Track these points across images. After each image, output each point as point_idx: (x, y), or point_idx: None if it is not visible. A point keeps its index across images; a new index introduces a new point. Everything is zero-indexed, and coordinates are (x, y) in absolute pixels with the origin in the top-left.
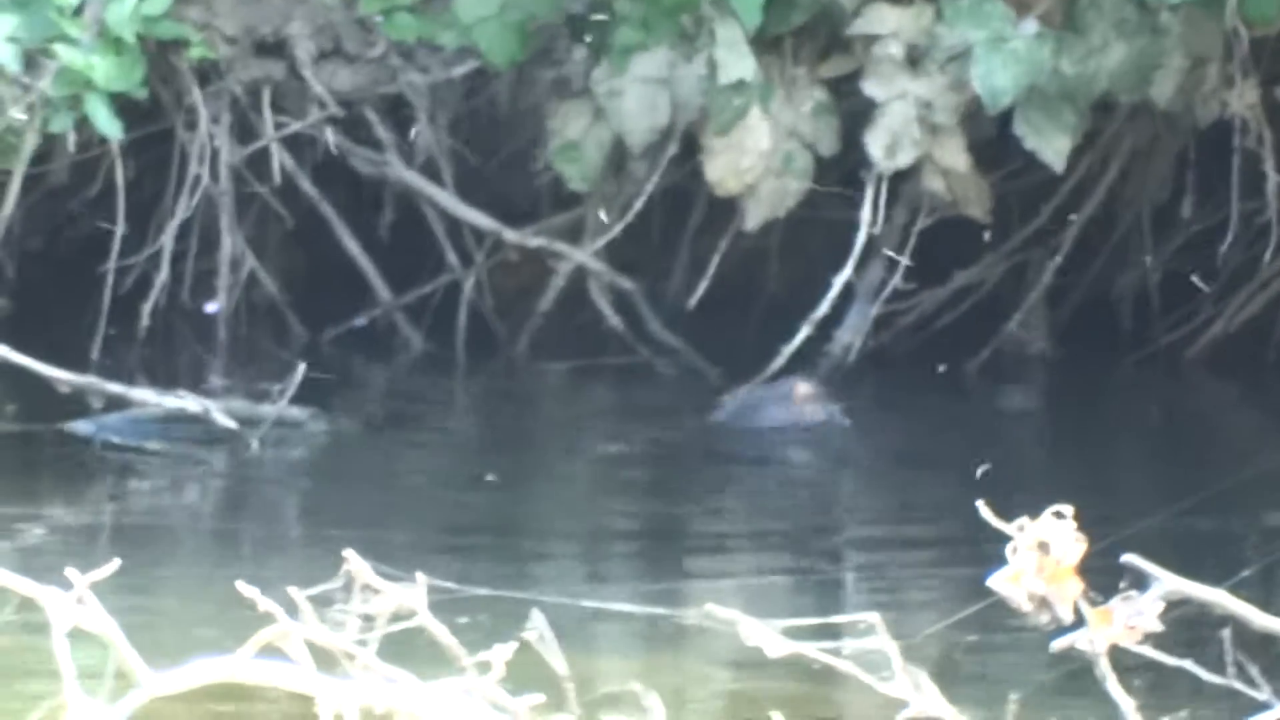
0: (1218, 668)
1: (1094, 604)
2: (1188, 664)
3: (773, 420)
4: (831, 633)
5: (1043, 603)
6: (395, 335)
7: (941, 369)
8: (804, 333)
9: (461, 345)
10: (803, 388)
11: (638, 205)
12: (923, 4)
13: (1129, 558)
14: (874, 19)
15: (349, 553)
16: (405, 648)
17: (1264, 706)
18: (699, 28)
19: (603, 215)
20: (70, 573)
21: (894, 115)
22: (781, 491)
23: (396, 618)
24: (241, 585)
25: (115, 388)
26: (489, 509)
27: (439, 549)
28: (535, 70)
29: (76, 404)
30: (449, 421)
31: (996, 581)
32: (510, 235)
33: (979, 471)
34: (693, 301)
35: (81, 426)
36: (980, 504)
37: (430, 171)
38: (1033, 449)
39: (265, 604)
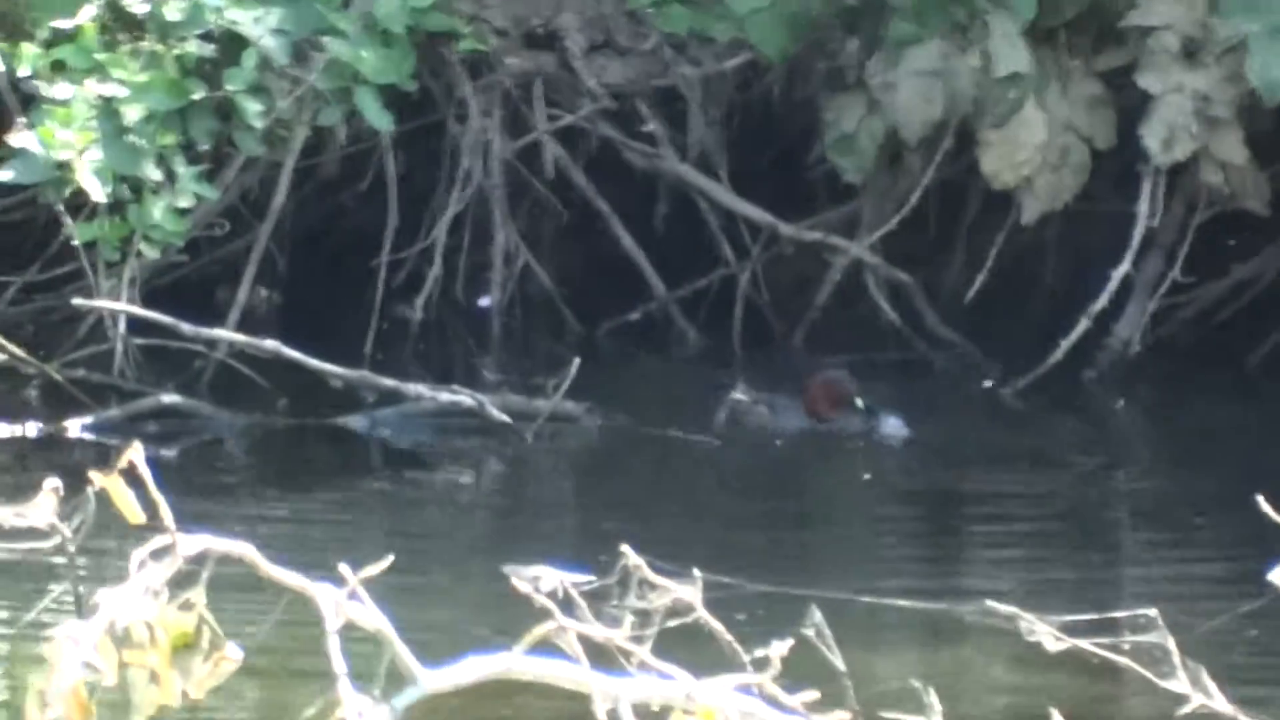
0: None
1: None
2: None
3: (791, 426)
4: (1110, 628)
5: None
6: (670, 329)
7: (987, 384)
8: (1082, 326)
9: (737, 338)
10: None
11: (914, 198)
12: None
13: None
14: (1148, 11)
15: (625, 547)
16: (682, 644)
17: None
18: (973, 20)
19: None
20: (343, 568)
21: (1170, 108)
22: (1058, 484)
23: (673, 613)
24: (516, 580)
25: (388, 383)
26: (765, 503)
27: (715, 543)
28: (808, 62)
29: (349, 399)
30: (720, 405)
31: (1278, 576)
32: (786, 229)
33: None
34: (970, 295)
35: (355, 422)
36: (1260, 498)
37: (704, 164)
38: None
39: (540, 599)
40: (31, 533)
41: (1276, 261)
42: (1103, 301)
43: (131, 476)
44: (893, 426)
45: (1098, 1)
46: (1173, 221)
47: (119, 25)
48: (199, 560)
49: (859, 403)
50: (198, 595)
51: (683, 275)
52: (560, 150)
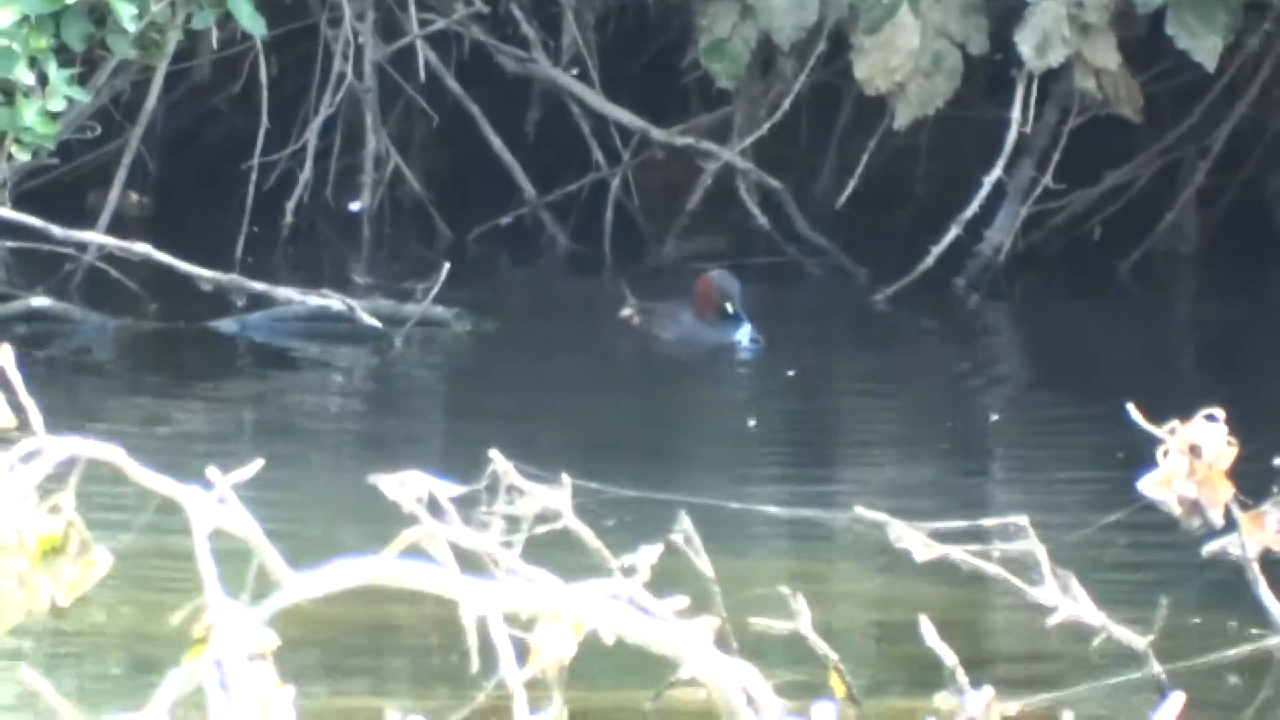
0: None
1: (1245, 508)
2: None
3: (668, 334)
4: (980, 536)
5: (1193, 507)
6: (541, 234)
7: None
8: (953, 233)
9: (608, 244)
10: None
11: (786, 104)
12: None
13: None
14: None
15: (494, 453)
16: (551, 549)
17: None
18: None
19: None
20: (212, 472)
21: (1045, 14)
22: (927, 391)
23: (542, 519)
24: (384, 485)
25: (258, 286)
26: (635, 410)
27: (584, 449)
28: None
29: (220, 303)
30: (595, 320)
31: (1147, 485)
32: (657, 134)
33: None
34: (841, 201)
35: (224, 325)
36: (1131, 407)
37: (577, 69)
38: (1183, 351)
39: (409, 505)
40: None
41: (1148, 168)
42: (974, 208)
43: (0, 379)
44: (740, 334)
45: None
46: (1045, 128)
47: None
48: (68, 464)
49: (728, 307)
50: (66, 499)
51: (554, 180)
52: (432, 54)
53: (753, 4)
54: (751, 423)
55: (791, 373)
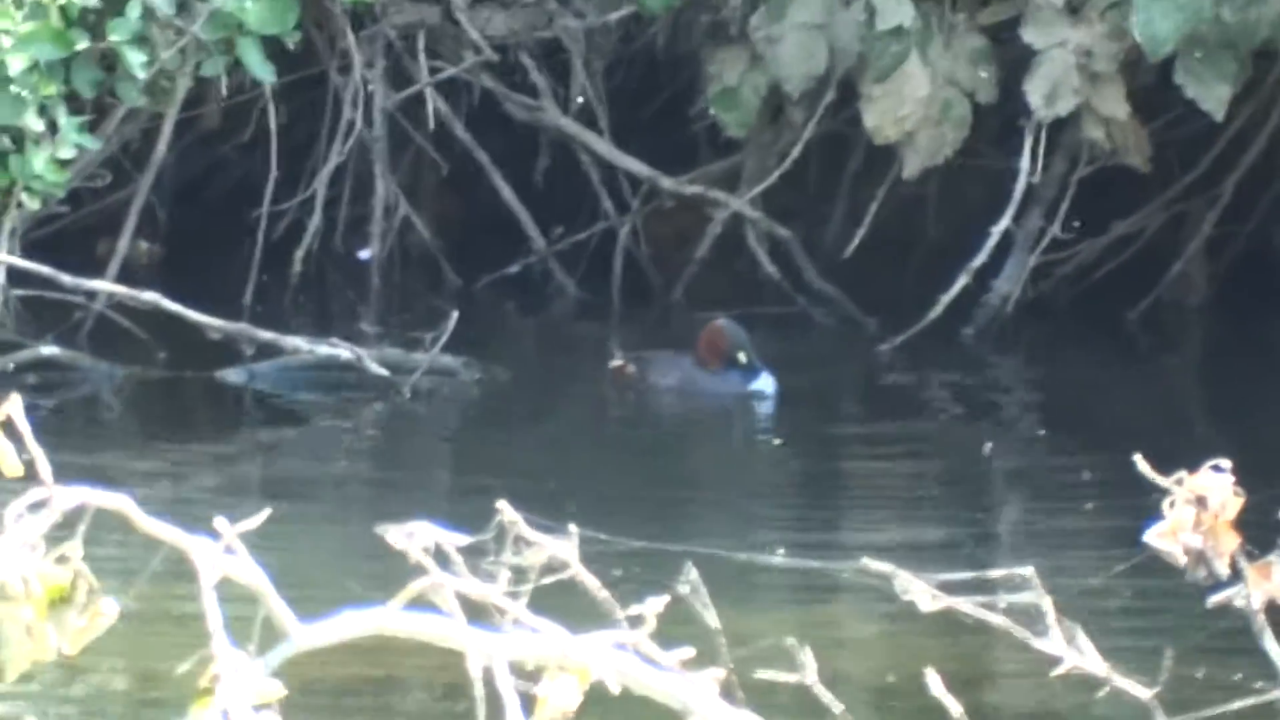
0: None
1: (1252, 559)
2: None
3: (664, 383)
4: (986, 587)
5: (1200, 558)
6: (550, 282)
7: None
8: (962, 282)
9: (617, 293)
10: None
11: (795, 152)
12: None
13: None
14: None
15: (502, 503)
16: (558, 600)
17: None
18: None
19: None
20: (219, 522)
21: (1053, 63)
22: (935, 441)
23: (549, 570)
24: (391, 535)
25: (267, 335)
26: (642, 459)
27: (592, 499)
28: (692, 15)
29: (229, 351)
30: (604, 370)
31: (1153, 536)
32: (666, 182)
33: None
34: (849, 250)
35: (233, 374)
36: (1137, 457)
37: (586, 118)
38: (1190, 401)
39: (416, 555)
40: None
41: (1157, 218)
42: (982, 257)
43: (9, 428)
44: (762, 383)
45: None
46: (1054, 177)
47: None
48: (76, 513)
49: (741, 357)
50: (74, 549)
51: (563, 228)
52: (442, 103)
53: (762, 53)
54: (777, 441)
55: (777, 441)
